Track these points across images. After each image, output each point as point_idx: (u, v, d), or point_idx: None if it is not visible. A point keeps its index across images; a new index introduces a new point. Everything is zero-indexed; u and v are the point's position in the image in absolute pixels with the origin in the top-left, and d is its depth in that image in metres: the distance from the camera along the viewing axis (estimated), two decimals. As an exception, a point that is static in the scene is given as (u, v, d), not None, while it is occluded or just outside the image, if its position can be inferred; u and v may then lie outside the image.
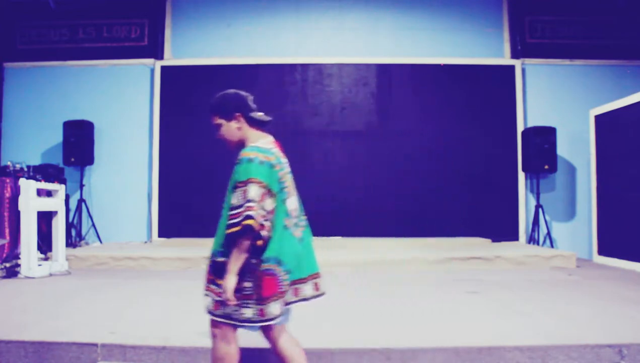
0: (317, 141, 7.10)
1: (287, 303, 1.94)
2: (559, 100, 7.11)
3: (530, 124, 7.00)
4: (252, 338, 2.28)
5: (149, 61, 7.21)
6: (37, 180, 5.00)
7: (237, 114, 1.97)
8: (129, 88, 7.21)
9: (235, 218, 1.75)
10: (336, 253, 5.51)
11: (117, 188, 7.08)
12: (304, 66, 7.14)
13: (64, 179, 6.40)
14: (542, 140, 6.55)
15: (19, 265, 4.69)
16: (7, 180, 4.98)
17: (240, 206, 1.74)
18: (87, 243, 6.71)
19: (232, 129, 1.96)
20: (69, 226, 6.38)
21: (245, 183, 1.75)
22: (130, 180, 7.10)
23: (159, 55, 7.23)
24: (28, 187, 4.69)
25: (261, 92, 7.23)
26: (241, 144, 1.95)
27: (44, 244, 5.25)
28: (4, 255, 4.85)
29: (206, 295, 1.91)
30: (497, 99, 7.08)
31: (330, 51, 7.21)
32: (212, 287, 1.89)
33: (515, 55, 7.17)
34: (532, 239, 6.70)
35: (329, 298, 3.77)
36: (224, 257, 1.83)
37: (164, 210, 6.96)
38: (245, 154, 1.82)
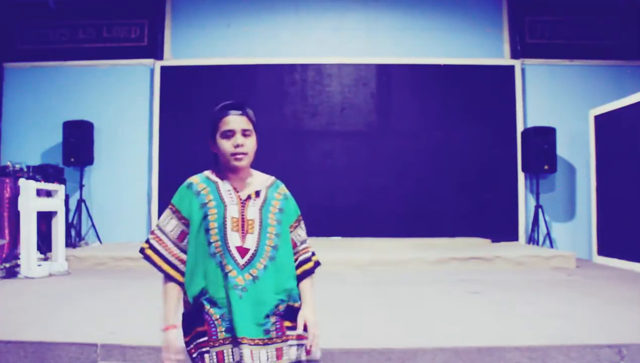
0: (316, 141, 7.10)
1: None
2: (559, 100, 7.11)
3: (529, 124, 7.00)
4: None
5: (149, 61, 7.21)
6: (36, 180, 4.99)
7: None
8: (128, 88, 7.21)
9: (309, 251, 1.70)
10: (336, 254, 5.51)
11: (117, 189, 7.07)
12: (304, 66, 7.14)
13: (63, 179, 6.40)
14: (542, 141, 6.55)
15: (18, 266, 4.68)
16: (7, 181, 4.97)
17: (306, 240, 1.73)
18: (86, 244, 6.71)
19: (255, 148, 1.64)
20: (68, 226, 6.38)
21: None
22: (130, 180, 7.10)
23: (158, 55, 7.23)
24: (28, 187, 4.69)
25: (261, 92, 7.28)
26: (247, 169, 1.64)
27: (44, 244, 5.24)
28: (4, 255, 4.84)
29: (298, 346, 1.54)
30: (497, 99, 7.08)
31: (329, 51, 7.21)
32: (296, 333, 1.54)
33: (514, 55, 7.16)
34: (531, 239, 6.71)
35: (329, 298, 3.77)
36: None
37: (164, 210, 6.94)
38: (285, 188, 1.71)
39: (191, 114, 6.97)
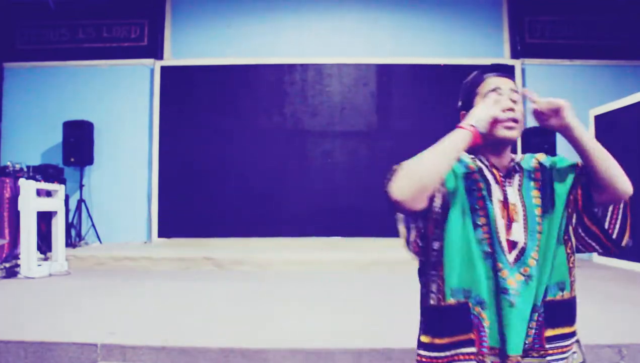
0: (316, 141, 7.10)
1: None
2: (559, 100, 7.10)
3: (529, 124, 6.99)
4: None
5: (149, 61, 7.21)
6: (36, 180, 5.00)
7: None
8: (129, 88, 7.21)
9: None
10: (337, 254, 5.51)
11: (117, 189, 7.07)
12: (304, 66, 7.14)
13: (63, 179, 6.40)
14: (542, 141, 6.55)
15: (18, 266, 4.68)
16: (7, 180, 4.98)
17: None
18: (86, 244, 6.71)
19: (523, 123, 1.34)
20: (68, 226, 6.38)
21: None
22: (130, 180, 7.10)
23: (158, 55, 7.23)
24: (28, 187, 4.69)
25: (261, 92, 7.28)
26: (508, 148, 1.34)
27: (44, 244, 5.24)
28: (4, 255, 4.84)
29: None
30: (497, 99, 7.08)
31: (330, 51, 7.21)
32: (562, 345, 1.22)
33: (515, 55, 7.17)
34: (532, 239, 6.70)
35: (330, 298, 3.77)
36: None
37: (164, 210, 6.96)
38: (544, 155, 1.39)
39: (191, 114, 6.97)
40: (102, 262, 5.35)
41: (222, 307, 3.48)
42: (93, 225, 6.83)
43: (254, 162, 6.96)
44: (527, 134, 6.75)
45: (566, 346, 1.22)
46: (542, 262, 1.20)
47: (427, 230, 1.24)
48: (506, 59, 7.18)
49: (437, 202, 1.20)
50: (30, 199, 4.68)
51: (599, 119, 6.16)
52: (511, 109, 1.24)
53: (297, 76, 7.14)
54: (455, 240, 1.21)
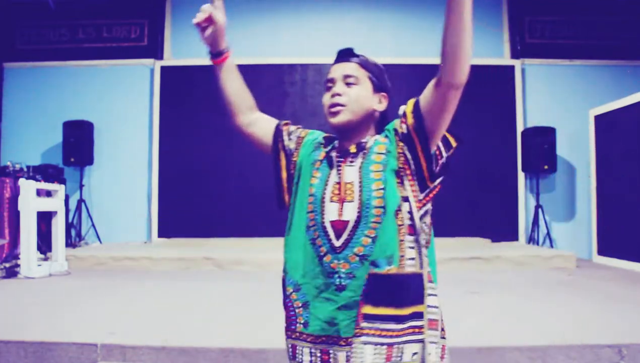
0: (317, 141, 7.09)
1: None
2: (559, 100, 7.10)
3: (529, 124, 7.00)
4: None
5: (149, 61, 7.21)
6: (36, 180, 4.99)
7: (385, 93, 1.35)
8: (129, 88, 7.21)
9: None
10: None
11: (117, 189, 7.07)
12: (304, 66, 7.13)
13: (63, 179, 6.40)
14: (542, 141, 6.55)
15: (18, 266, 4.68)
16: (7, 180, 4.97)
17: None
18: (86, 244, 6.71)
19: (368, 100, 1.29)
20: (68, 226, 6.38)
21: None
22: (130, 180, 7.10)
23: (158, 55, 7.23)
24: (28, 187, 4.69)
25: (261, 92, 7.21)
26: (355, 127, 1.26)
27: (44, 244, 5.24)
28: (4, 255, 4.84)
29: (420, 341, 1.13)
30: (497, 99, 7.07)
31: (330, 51, 7.12)
32: (420, 322, 1.14)
33: (515, 55, 7.16)
34: (531, 239, 6.70)
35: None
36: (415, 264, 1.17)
37: (164, 210, 6.95)
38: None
39: (191, 114, 6.97)
40: (102, 262, 5.35)
41: (222, 307, 3.48)
42: (93, 225, 6.83)
43: (254, 162, 6.94)
44: (527, 134, 6.76)
45: (389, 330, 1.10)
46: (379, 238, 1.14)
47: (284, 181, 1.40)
48: (506, 59, 7.17)
49: (287, 149, 1.42)
50: (30, 199, 4.68)
51: (599, 119, 6.16)
52: (335, 95, 1.27)
53: (297, 76, 7.14)
54: (297, 222, 1.25)
